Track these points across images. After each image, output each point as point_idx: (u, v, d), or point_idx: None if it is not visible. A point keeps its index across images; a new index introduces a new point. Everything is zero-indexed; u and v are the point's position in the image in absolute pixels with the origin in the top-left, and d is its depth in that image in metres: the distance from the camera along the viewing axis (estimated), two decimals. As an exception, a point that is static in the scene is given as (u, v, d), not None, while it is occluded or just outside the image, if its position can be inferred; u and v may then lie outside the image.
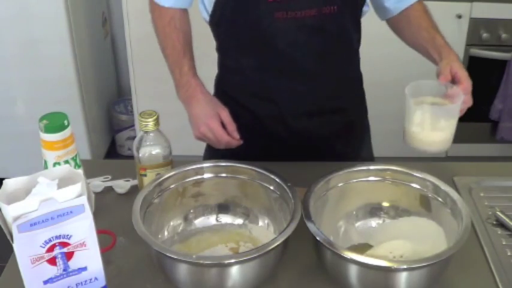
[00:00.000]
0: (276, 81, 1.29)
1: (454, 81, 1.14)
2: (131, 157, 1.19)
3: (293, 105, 1.32)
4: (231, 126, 1.25)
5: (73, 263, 0.89)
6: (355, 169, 1.11)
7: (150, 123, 1.13)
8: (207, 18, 1.30)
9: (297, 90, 1.30)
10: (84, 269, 0.91)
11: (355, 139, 1.45)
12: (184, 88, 1.29)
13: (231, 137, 1.24)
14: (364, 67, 1.40)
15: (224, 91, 1.38)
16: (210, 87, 1.39)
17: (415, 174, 1.10)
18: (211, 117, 1.24)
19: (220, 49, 1.35)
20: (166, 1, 1.29)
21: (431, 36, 1.25)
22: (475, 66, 2.42)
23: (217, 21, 1.29)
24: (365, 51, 1.37)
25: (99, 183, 1.25)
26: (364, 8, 1.31)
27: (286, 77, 1.28)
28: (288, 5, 1.21)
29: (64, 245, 0.87)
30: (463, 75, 1.14)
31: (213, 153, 1.42)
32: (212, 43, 1.35)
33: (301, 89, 1.30)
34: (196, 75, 1.30)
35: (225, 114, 1.25)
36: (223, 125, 1.25)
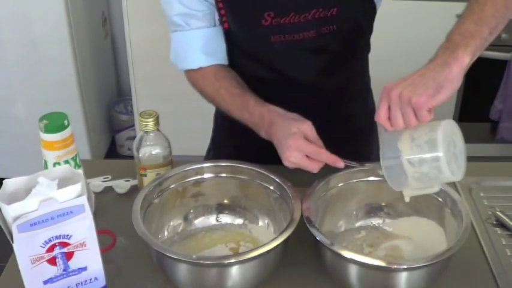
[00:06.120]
0: (276, 94, 1.23)
1: None
2: (131, 157, 1.19)
3: None
4: (317, 141, 1.04)
5: (73, 263, 0.89)
6: (355, 169, 1.11)
7: (150, 123, 1.13)
8: None
9: (299, 104, 1.25)
10: (84, 269, 0.91)
11: (362, 145, 1.40)
12: (262, 122, 1.12)
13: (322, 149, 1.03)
14: (370, 65, 1.37)
15: None
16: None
17: (415, 174, 1.10)
18: (292, 136, 1.02)
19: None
20: (200, 62, 1.22)
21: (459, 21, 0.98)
22: (475, 66, 2.42)
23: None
24: (371, 49, 1.34)
25: (99, 183, 1.25)
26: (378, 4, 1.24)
27: (287, 91, 1.25)
28: (284, 28, 1.16)
29: (64, 245, 0.87)
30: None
31: (215, 156, 1.42)
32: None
33: (304, 103, 1.25)
34: (265, 104, 1.13)
35: (307, 128, 1.04)
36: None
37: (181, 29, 1.22)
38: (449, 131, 0.93)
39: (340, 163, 1.03)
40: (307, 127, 1.04)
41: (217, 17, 1.20)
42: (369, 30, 1.26)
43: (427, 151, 0.92)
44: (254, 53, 1.23)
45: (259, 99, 1.16)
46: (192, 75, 1.26)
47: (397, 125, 0.93)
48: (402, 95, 0.90)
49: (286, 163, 1.03)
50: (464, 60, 0.93)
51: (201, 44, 1.21)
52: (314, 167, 1.02)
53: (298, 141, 1.02)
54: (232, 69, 1.25)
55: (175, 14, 1.20)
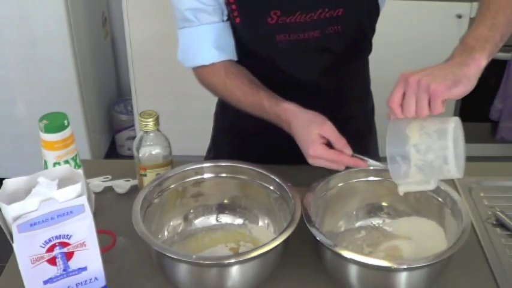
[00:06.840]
0: (277, 93, 1.23)
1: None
2: (131, 157, 1.19)
3: None
4: (339, 142, 1.04)
5: (73, 263, 0.89)
6: (355, 169, 1.11)
7: (150, 123, 1.13)
8: None
9: (299, 104, 1.27)
10: (84, 269, 0.91)
11: (360, 146, 1.40)
12: (280, 122, 1.14)
13: (344, 154, 1.04)
14: (370, 65, 1.37)
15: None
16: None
17: (415, 174, 1.10)
18: (312, 144, 1.04)
19: None
20: (212, 58, 1.22)
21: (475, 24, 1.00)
22: (475, 66, 2.42)
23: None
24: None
25: (99, 183, 1.25)
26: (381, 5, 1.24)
27: (287, 90, 1.23)
28: (290, 27, 1.17)
29: (64, 245, 0.87)
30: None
31: (215, 156, 1.41)
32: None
33: (304, 102, 1.22)
34: (279, 102, 1.14)
35: (327, 130, 1.05)
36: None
37: (191, 24, 1.21)
38: (456, 128, 0.93)
39: (363, 165, 1.05)
40: (326, 129, 1.05)
41: (225, 13, 1.20)
42: (372, 31, 1.27)
43: (436, 139, 0.92)
44: (258, 50, 1.23)
45: (273, 96, 1.16)
46: (202, 71, 1.24)
47: (408, 112, 0.92)
48: (421, 82, 0.91)
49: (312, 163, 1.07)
50: (481, 62, 0.94)
51: (213, 39, 1.21)
52: (339, 168, 1.06)
53: (318, 151, 1.04)
54: (241, 65, 1.24)
55: (186, 9, 1.19)
